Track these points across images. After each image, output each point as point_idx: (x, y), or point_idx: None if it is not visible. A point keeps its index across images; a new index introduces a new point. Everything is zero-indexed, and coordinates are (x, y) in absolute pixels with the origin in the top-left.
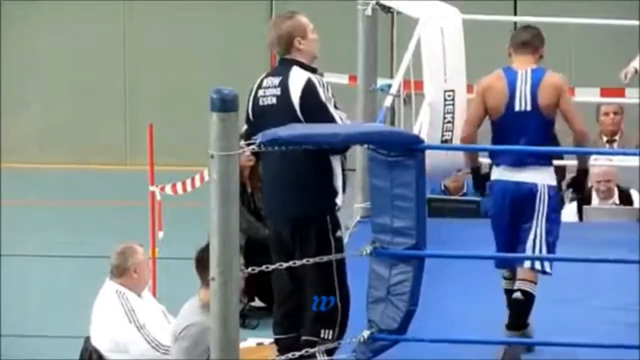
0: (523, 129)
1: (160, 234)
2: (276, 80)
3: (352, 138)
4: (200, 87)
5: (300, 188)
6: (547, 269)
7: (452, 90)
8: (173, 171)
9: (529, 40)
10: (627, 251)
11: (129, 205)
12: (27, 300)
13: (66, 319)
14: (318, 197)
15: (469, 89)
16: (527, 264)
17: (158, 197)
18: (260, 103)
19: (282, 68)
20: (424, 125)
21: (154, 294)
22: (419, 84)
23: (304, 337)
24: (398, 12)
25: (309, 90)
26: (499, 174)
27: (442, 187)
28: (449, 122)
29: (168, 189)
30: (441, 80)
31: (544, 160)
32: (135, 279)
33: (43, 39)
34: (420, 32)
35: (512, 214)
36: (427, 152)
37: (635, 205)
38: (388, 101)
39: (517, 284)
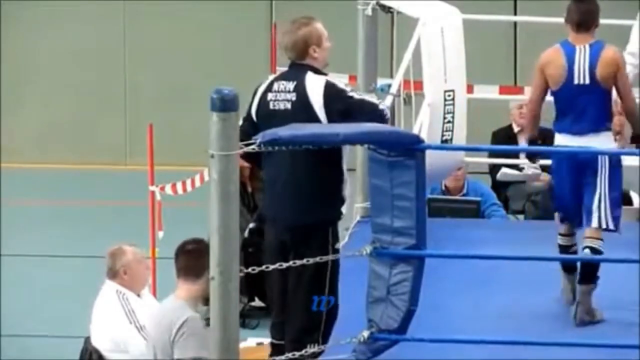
0: (583, 101)
1: (160, 234)
2: (290, 85)
3: (352, 138)
4: (200, 87)
5: (310, 195)
6: (612, 227)
7: (452, 90)
8: (173, 171)
9: (584, 21)
10: (627, 251)
11: (129, 205)
12: (27, 300)
13: (66, 319)
14: (325, 206)
15: (469, 89)
16: (595, 223)
17: (158, 197)
18: (271, 107)
19: (296, 73)
20: (424, 125)
21: (154, 294)
22: (419, 84)
23: (288, 353)
24: (398, 12)
25: (331, 90)
26: (561, 140)
27: (443, 188)
28: (449, 122)
29: (168, 189)
30: (441, 80)
31: (603, 125)
32: (127, 280)
33: (43, 39)
34: (420, 32)
35: (576, 178)
36: (427, 152)
37: (635, 207)
38: (388, 101)
39: (586, 242)
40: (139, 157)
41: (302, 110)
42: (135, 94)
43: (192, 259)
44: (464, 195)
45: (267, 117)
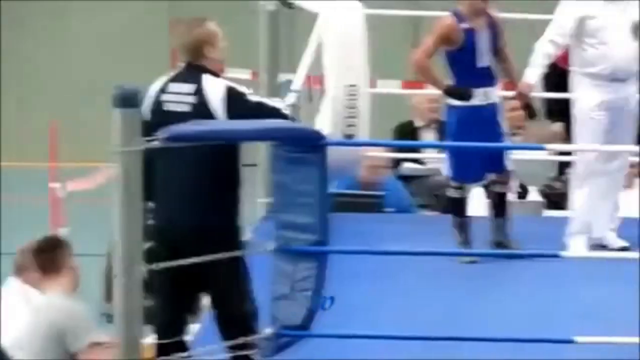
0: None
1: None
2: (187, 87)
3: (254, 134)
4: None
5: (210, 197)
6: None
7: (355, 85)
8: None
9: None
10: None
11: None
12: None
13: None
14: (228, 207)
15: (372, 83)
16: (509, 166)
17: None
18: (164, 108)
19: (193, 75)
20: (326, 121)
21: None
22: (321, 79)
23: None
24: (300, 8)
25: (231, 93)
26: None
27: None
28: (351, 116)
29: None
30: (343, 74)
31: (497, 79)
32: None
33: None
34: (320, 27)
35: (482, 130)
36: (330, 148)
37: (534, 199)
38: (291, 97)
39: (498, 187)
40: None
41: (203, 113)
42: None
43: (45, 257)
44: (380, 189)
45: (161, 118)
